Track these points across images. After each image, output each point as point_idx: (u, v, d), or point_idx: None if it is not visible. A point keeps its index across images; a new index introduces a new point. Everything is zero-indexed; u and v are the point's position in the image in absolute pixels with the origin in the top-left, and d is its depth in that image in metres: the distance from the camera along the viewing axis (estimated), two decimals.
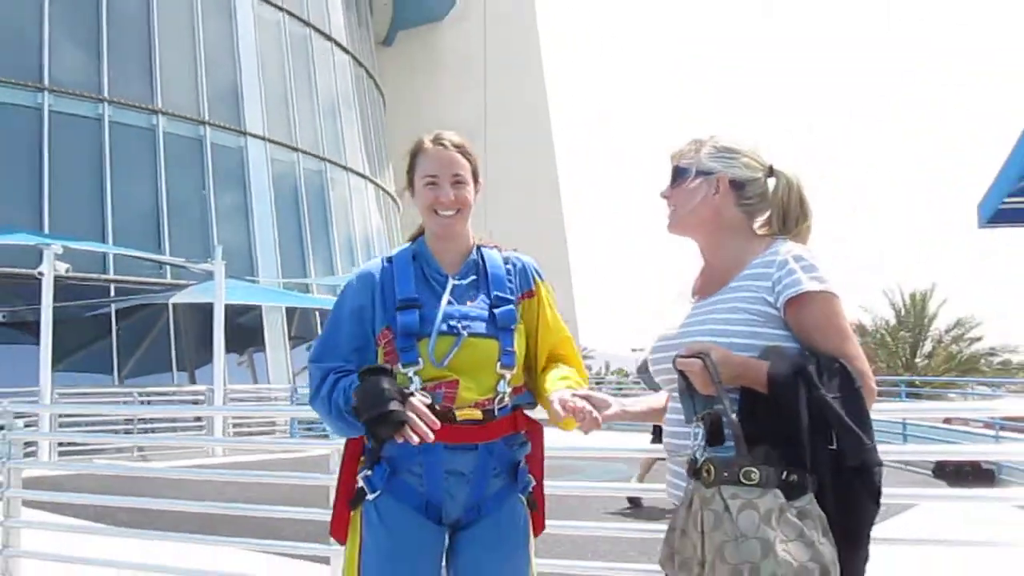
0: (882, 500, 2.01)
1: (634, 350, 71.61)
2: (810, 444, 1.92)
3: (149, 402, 17.13)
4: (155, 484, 7.64)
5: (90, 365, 19.26)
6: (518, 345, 2.45)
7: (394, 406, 2.16)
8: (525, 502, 2.51)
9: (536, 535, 2.56)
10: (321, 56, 28.55)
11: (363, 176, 29.59)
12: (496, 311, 2.43)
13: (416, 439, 2.16)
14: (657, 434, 7.34)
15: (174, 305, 19.43)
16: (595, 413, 2.22)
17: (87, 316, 18.90)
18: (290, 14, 27.11)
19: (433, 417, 2.19)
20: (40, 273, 14.00)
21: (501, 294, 2.47)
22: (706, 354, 2.01)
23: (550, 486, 2.71)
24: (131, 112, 21.17)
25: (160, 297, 19.38)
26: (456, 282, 2.47)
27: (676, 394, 2.21)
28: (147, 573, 4.87)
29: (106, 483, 7.39)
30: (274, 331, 22.87)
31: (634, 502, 8.44)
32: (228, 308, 17.03)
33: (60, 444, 12.84)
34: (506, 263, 2.55)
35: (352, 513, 2.43)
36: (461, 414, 2.35)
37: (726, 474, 1.96)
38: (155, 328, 20.05)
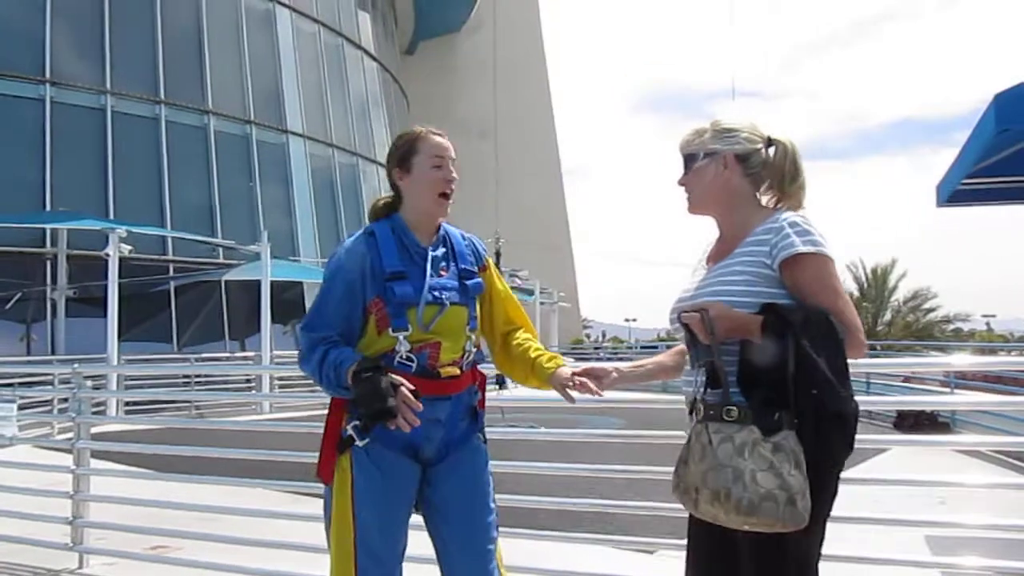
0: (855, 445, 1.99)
1: (627, 320, 72.04)
2: (794, 389, 1.91)
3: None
4: (209, 435, 7.59)
5: (152, 335, 19.29)
6: (478, 311, 2.53)
7: (391, 403, 2.20)
8: (483, 439, 2.57)
9: None
10: (352, 63, 28.48)
11: None
12: (467, 282, 2.48)
13: (407, 427, 2.22)
14: None
15: (226, 282, 19.50)
16: (595, 388, 2.29)
17: (149, 292, 18.90)
18: (325, 26, 27.05)
19: (417, 403, 2.24)
20: (107, 254, 13.98)
21: (466, 267, 2.51)
22: (704, 310, 2.01)
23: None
24: (186, 113, 21.14)
25: (214, 275, 19.43)
26: (433, 254, 2.48)
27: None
28: (201, 513, 4.81)
29: (166, 436, 7.35)
30: None
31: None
32: (273, 284, 17.16)
33: (127, 403, 12.77)
34: (463, 239, 2.59)
35: (339, 457, 2.42)
36: (444, 371, 2.40)
37: (712, 412, 2.01)
38: (209, 302, 20.08)
